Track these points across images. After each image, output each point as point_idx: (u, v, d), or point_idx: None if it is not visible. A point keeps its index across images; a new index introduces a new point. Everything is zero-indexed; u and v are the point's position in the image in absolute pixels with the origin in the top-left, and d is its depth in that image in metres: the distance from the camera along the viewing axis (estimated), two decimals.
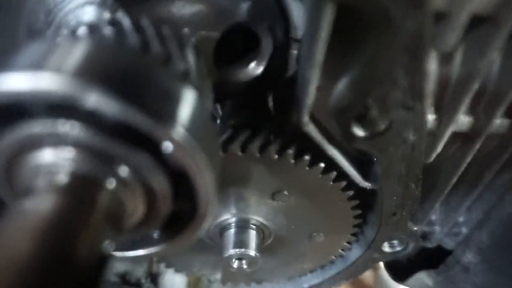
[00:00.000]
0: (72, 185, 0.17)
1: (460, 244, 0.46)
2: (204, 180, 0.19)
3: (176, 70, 0.21)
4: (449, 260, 0.48)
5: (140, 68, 0.19)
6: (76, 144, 0.18)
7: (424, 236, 0.47)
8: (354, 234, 0.44)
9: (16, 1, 0.27)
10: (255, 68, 0.33)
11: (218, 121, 0.37)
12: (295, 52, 0.32)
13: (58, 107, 0.17)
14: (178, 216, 0.22)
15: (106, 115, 0.16)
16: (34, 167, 0.18)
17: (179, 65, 0.22)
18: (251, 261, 0.41)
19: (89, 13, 0.27)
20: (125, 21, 0.22)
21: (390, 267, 0.54)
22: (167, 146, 0.18)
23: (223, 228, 0.41)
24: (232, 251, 0.40)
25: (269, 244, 0.43)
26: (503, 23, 0.23)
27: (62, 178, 0.17)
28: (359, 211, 0.40)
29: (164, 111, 0.18)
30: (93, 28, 0.21)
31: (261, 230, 0.42)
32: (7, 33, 0.28)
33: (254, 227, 0.41)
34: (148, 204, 0.20)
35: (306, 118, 0.29)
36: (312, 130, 0.30)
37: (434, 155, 0.32)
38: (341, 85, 0.28)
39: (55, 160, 0.18)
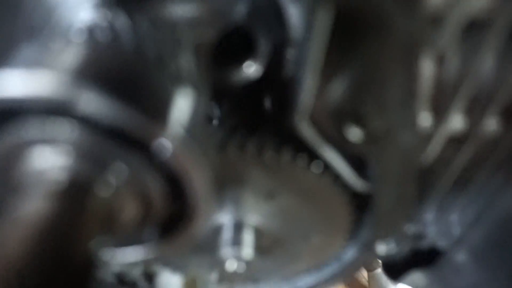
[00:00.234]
0: (65, 188, 0.17)
1: (454, 244, 0.46)
2: (200, 181, 0.19)
3: (172, 71, 0.21)
4: (442, 260, 0.48)
5: (135, 69, 0.19)
6: (69, 146, 0.17)
7: (418, 236, 0.47)
8: (349, 235, 0.44)
9: (13, 1, 0.27)
10: (252, 69, 0.33)
11: (215, 122, 0.37)
12: (292, 53, 0.32)
13: (51, 109, 0.17)
14: (175, 218, 0.22)
15: (99, 117, 0.16)
16: (25, 170, 0.18)
17: (175, 66, 0.22)
18: (247, 261, 0.41)
19: (85, 14, 0.27)
20: (121, 22, 0.22)
21: (385, 267, 0.55)
22: (162, 148, 0.17)
23: (219, 228, 0.41)
24: (227, 251, 0.40)
25: (265, 244, 0.43)
26: (498, 26, 0.24)
27: (55, 180, 0.17)
28: (354, 212, 0.40)
29: (159, 113, 0.18)
30: (88, 29, 0.21)
31: (257, 230, 0.42)
32: (3, 33, 0.28)
33: (250, 227, 0.41)
34: (143, 206, 0.20)
35: (302, 120, 0.29)
36: (308, 131, 0.30)
37: (430, 157, 0.33)
38: (338, 87, 0.28)
39: (47, 162, 0.18)
